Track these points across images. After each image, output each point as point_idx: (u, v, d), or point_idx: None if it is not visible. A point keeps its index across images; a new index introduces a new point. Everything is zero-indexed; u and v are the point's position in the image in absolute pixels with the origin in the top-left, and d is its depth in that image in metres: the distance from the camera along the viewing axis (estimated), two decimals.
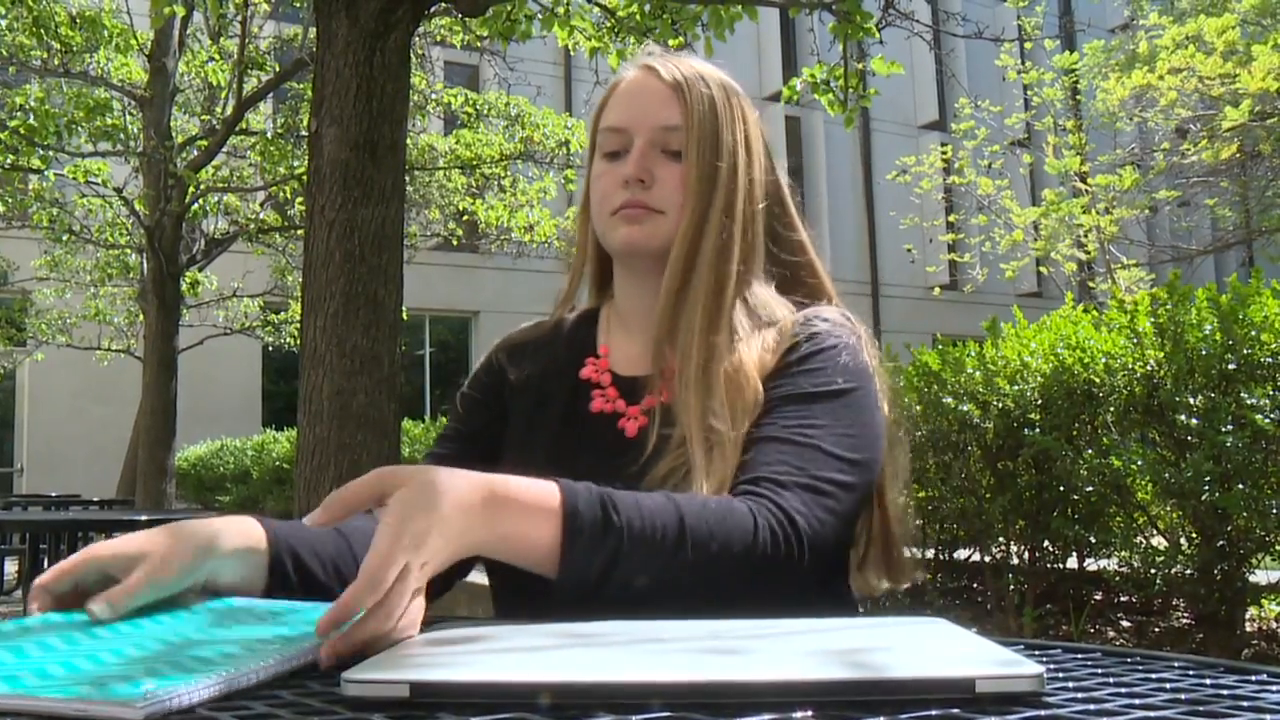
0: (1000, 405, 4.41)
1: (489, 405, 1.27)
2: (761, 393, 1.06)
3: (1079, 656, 0.74)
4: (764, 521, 0.90)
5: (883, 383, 1.13)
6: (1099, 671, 0.66)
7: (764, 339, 1.12)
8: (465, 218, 10.61)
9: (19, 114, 7.10)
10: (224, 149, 8.31)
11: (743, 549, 0.88)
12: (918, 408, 4.90)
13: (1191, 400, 3.69)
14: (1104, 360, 4.08)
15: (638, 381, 1.17)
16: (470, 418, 1.27)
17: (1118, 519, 4.42)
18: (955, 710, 0.54)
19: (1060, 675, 0.65)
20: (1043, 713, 0.54)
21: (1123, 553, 4.22)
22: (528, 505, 0.82)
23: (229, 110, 7.64)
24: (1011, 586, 4.74)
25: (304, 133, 8.06)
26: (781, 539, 0.90)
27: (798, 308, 1.17)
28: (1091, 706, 0.55)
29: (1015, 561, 4.78)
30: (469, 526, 0.78)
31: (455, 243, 11.56)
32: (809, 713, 0.54)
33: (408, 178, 7.27)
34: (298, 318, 8.52)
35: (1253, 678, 0.64)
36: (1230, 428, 3.53)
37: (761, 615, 0.77)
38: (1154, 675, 0.64)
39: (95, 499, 9.28)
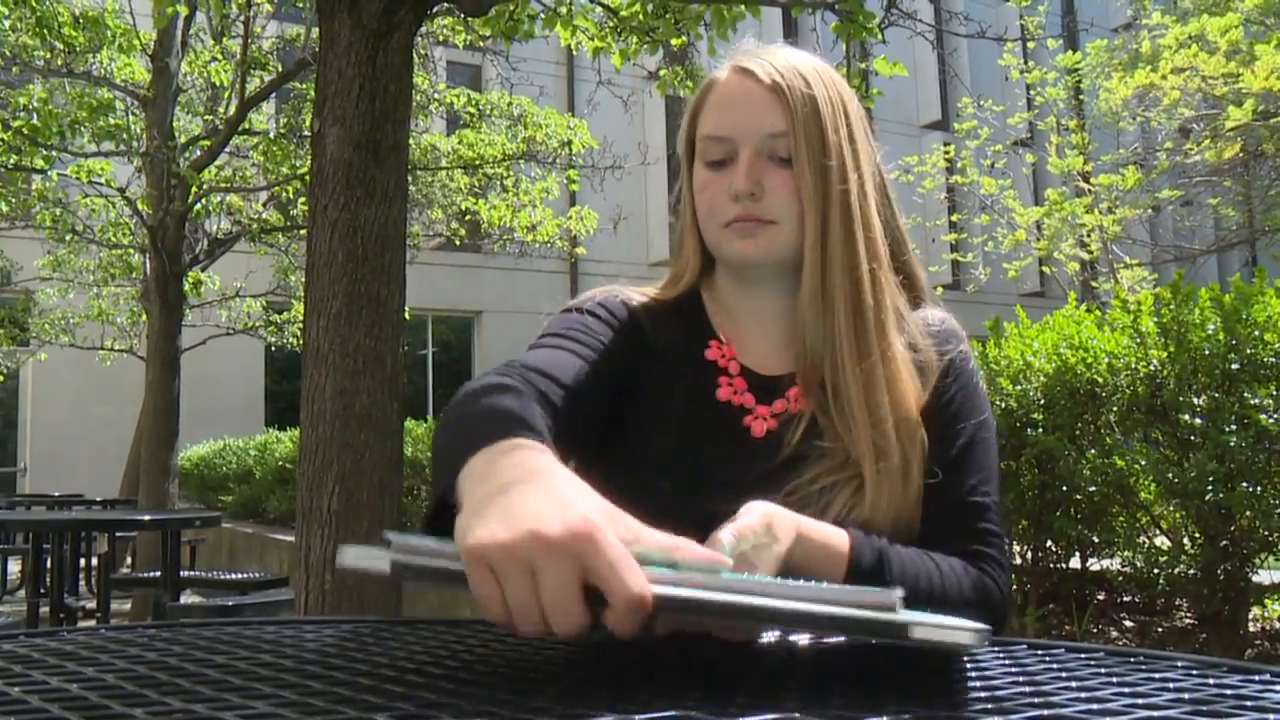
0: (1003, 405, 4.40)
1: (624, 340, 1.18)
2: (919, 420, 1.11)
3: (1082, 656, 0.74)
4: (996, 591, 1.07)
5: None
6: (1102, 671, 0.66)
7: (910, 356, 1.13)
8: (468, 218, 10.61)
9: (22, 114, 7.10)
10: (227, 149, 8.30)
11: (984, 616, 1.04)
12: None
13: (1195, 400, 3.68)
14: (1107, 360, 4.08)
15: (770, 381, 1.16)
16: (606, 343, 1.16)
17: (1121, 519, 4.42)
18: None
19: (1064, 675, 0.65)
20: (1046, 713, 0.54)
21: (1126, 553, 4.22)
22: (823, 545, 0.98)
23: (232, 110, 7.64)
24: (1014, 586, 4.73)
25: (306, 133, 8.07)
26: (1002, 607, 1.07)
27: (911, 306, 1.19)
28: (1095, 706, 0.55)
29: (1018, 561, 4.78)
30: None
31: (458, 243, 11.57)
32: (796, 716, 0.54)
33: (410, 178, 7.27)
34: (300, 318, 8.52)
35: (1256, 678, 0.63)
36: (1234, 427, 3.52)
37: None
38: (1157, 675, 0.64)
39: (98, 498, 9.30)
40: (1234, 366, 3.61)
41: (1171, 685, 0.62)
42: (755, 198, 1.11)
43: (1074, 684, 0.63)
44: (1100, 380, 4.10)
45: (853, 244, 1.11)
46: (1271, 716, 0.54)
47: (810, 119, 1.10)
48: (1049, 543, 4.72)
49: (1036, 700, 0.58)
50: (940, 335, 1.17)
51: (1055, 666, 0.70)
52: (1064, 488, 4.36)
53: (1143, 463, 3.83)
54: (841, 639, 0.80)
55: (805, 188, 1.10)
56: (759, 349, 1.19)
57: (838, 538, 0.99)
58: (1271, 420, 3.44)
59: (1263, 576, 3.94)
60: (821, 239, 1.10)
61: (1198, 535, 3.86)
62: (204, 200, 8.29)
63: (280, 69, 8.12)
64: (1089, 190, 12.60)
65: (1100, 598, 4.96)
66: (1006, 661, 0.70)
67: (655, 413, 1.15)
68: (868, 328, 1.10)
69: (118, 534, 7.05)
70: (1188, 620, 4.58)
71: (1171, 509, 4.05)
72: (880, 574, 0.98)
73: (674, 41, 5.31)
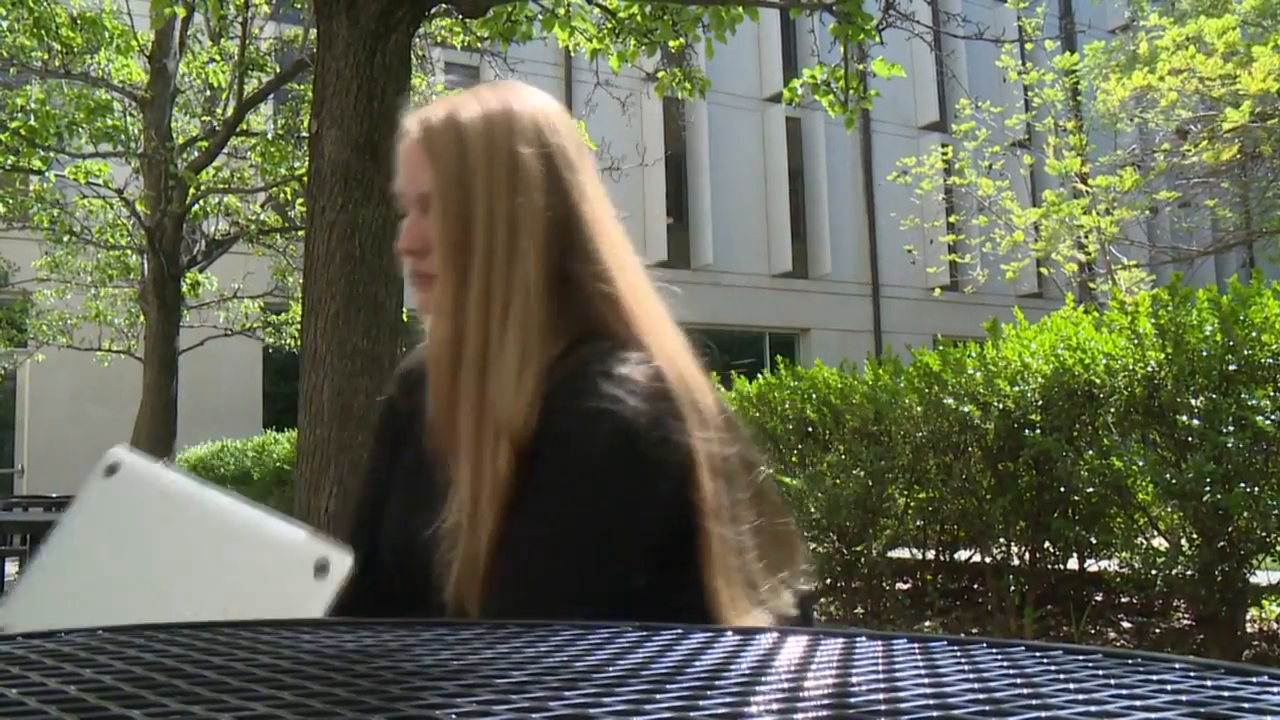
0: (1001, 406, 4.41)
1: (382, 427, 1.29)
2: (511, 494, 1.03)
3: (1080, 658, 0.74)
4: None
5: (687, 424, 1.03)
6: (1100, 673, 0.66)
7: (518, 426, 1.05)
8: None
9: (20, 115, 7.10)
10: (224, 150, 8.31)
11: None
12: (918, 409, 4.91)
13: (1192, 401, 3.69)
14: (1105, 361, 4.08)
15: None
16: (373, 458, 1.29)
17: (1118, 520, 4.43)
18: None
19: (1061, 677, 0.65)
20: (1044, 715, 0.54)
21: (1123, 554, 4.23)
22: None
23: (229, 111, 7.65)
24: (1012, 587, 4.74)
25: (304, 134, 8.06)
26: None
27: (578, 349, 1.07)
28: (1093, 708, 0.55)
29: (1016, 562, 4.79)
30: None
31: None
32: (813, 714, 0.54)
33: None
34: (298, 319, 8.53)
35: (1254, 679, 0.63)
36: (1231, 429, 3.53)
37: None
38: (1155, 677, 0.64)
39: None
40: (1231, 368, 3.61)
41: (1169, 687, 0.62)
42: (417, 254, 1.13)
43: (1072, 686, 0.63)
44: (1098, 381, 4.11)
45: (487, 306, 1.06)
46: (1269, 719, 0.54)
47: (451, 174, 1.09)
48: (1047, 544, 4.72)
49: (1034, 703, 0.58)
50: (553, 405, 1.04)
51: (1053, 668, 0.70)
52: (1062, 489, 4.36)
53: (1140, 464, 3.83)
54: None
55: (438, 247, 1.09)
56: None
57: None
58: (1269, 421, 3.44)
59: (1260, 577, 3.94)
60: (451, 301, 1.08)
61: (1195, 536, 3.86)
62: (202, 201, 8.30)
63: (278, 70, 8.13)
64: (1086, 191, 12.61)
65: (1098, 599, 4.96)
66: (1004, 663, 0.70)
67: (392, 473, 1.22)
68: (486, 397, 1.04)
69: None
70: (1185, 621, 4.58)
71: (1169, 510, 4.06)
72: None
73: (672, 43, 5.32)
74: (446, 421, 1.07)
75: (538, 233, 1.08)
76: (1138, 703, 0.57)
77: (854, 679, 0.65)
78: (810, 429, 5.84)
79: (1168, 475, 3.67)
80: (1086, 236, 12.78)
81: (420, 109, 1.15)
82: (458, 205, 1.08)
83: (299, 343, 3.70)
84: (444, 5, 4.27)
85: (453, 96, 1.15)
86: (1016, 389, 4.37)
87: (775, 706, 0.57)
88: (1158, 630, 4.55)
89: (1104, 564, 4.66)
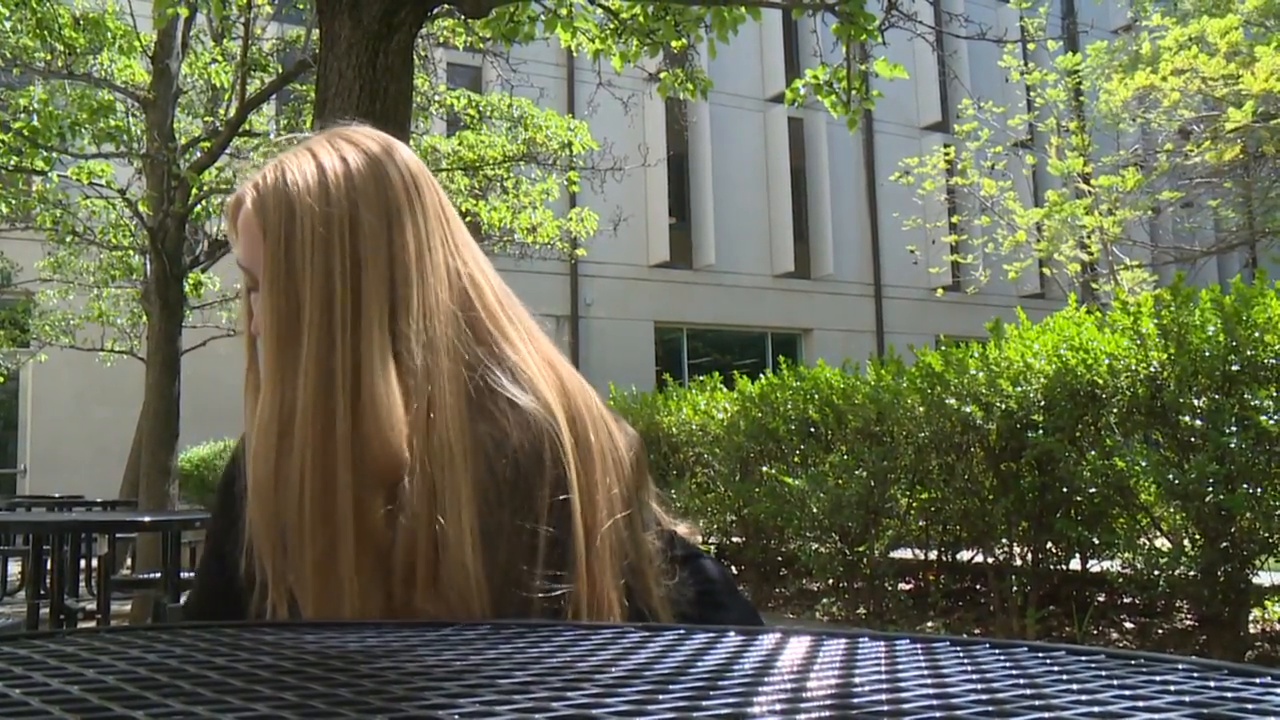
0: (1003, 406, 4.40)
1: (221, 517, 1.13)
2: None
3: (1083, 659, 0.74)
4: None
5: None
6: (1103, 674, 0.66)
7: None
8: (468, 219, 10.62)
9: (23, 116, 7.11)
10: (227, 150, 8.30)
11: None
12: (920, 409, 4.90)
13: (1195, 401, 3.69)
14: (1107, 361, 4.08)
15: None
16: (213, 537, 1.15)
17: (1121, 520, 4.43)
18: None
19: (1064, 677, 0.65)
20: (1046, 715, 0.54)
21: (1126, 554, 4.22)
22: None
23: (232, 112, 7.64)
24: (1014, 588, 4.74)
25: (307, 134, 8.05)
26: None
27: None
28: (1096, 709, 0.55)
29: (1018, 563, 4.78)
30: None
31: None
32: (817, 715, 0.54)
33: None
34: None
35: (1257, 680, 0.63)
36: (1234, 429, 3.53)
37: None
38: (1158, 678, 0.64)
39: (98, 500, 9.31)
40: (1234, 368, 3.61)
41: (1172, 688, 0.62)
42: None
43: (1075, 686, 0.63)
44: (1100, 382, 4.10)
45: (317, 400, 0.95)
46: None
47: (277, 248, 0.99)
48: (1049, 544, 4.72)
49: (1037, 703, 0.58)
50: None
51: (1056, 669, 0.70)
52: (1064, 489, 4.36)
53: (1143, 464, 3.83)
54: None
55: (263, 335, 1.00)
56: None
57: None
58: (1272, 422, 3.44)
59: (1263, 578, 3.94)
60: (278, 370, 0.97)
61: (1198, 537, 3.86)
62: (204, 202, 8.29)
63: (280, 70, 8.13)
64: (1089, 192, 12.61)
65: (1100, 599, 4.96)
66: (1006, 663, 0.70)
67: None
68: (327, 451, 0.95)
69: (118, 535, 7.05)
70: (1188, 622, 4.58)
71: (1172, 510, 4.06)
72: None
73: (674, 44, 5.31)
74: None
75: (380, 302, 0.98)
76: (1141, 703, 0.57)
77: (857, 679, 0.65)
78: (812, 429, 5.84)
79: (1170, 476, 3.66)
80: (1089, 237, 12.77)
81: (254, 173, 1.06)
82: (279, 278, 0.98)
83: None
84: (446, 6, 4.28)
85: (288, 154, 1.05)
86: (1019, 389, 4.37)
87: (778, 707, 0.57)
88: (1160, 631, 4.55)
89: (1106, 564, 4.66)
